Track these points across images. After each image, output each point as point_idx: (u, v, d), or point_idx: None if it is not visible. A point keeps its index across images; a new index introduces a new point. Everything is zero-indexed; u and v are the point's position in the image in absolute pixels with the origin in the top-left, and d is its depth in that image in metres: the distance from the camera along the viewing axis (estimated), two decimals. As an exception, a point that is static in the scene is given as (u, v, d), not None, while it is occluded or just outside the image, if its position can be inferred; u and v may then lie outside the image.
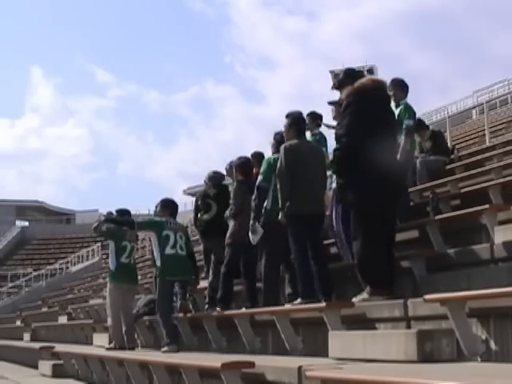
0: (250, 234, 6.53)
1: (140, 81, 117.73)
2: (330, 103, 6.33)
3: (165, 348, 7.26)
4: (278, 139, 6.68)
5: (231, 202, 7.32)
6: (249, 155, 8.00)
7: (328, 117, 7.43)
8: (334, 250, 7.16)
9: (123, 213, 8.98)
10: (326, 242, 6.79)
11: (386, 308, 4.75)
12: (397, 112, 7.03)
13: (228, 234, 7.22)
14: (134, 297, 9.12)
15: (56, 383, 8.84)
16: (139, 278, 10.03)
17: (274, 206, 6.28)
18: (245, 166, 7.40)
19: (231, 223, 7.25)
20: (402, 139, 6.94)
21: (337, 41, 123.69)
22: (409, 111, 7.26)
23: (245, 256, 7.06)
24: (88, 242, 38.49)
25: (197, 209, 8.70)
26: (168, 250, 7.53)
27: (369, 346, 4.13)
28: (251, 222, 6.49)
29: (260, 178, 6.54)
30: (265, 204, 6.47)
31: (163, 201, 8.13)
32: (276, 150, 6.65)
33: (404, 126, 7.04)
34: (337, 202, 6.50)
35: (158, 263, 7.58)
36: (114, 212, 8.99)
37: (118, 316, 8.44)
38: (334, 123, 6.68)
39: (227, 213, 7.37)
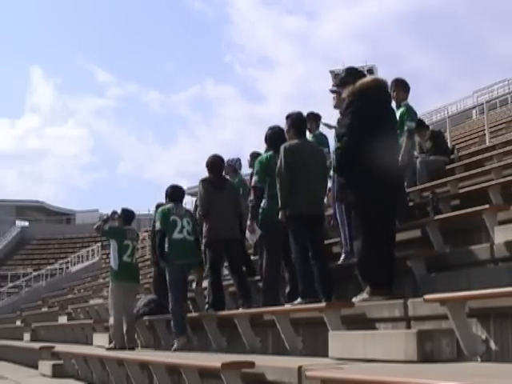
0: (247, 233, 6.60)
1: (140, 80, 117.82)
2: (333, 91, 6.32)
3: (175, 345, 7.22)
4: (268, 135, 6.72)
5: (198, 202, 7.36)
6: (248, 155, 8.07)
7: (328, 115, 7.44)
8: (334, 250, 7.17)
9: (124, 212, 8.97)
10: (326, 242, 6.79)
11: (386, 308, 4.75)
12: (398, 113, 7.04)
13: (203, 235, 7.26)
14: (136, 296, 9.12)
15: (56, 383, 8.84)
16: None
17: (271, 205, 6.30)
18: (214, 165, 7.41)
19: (204, 224, 7.28)
20: (403, 141, 6.96)
21: (337, 40, 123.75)
22: (410, 113, 7.29)
23: (227, 253, 7.08)
24: (88, 242, 38.53)
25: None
26: (176, 235, 7.48)
27: (369, 346, 4.13)
28: (248, 222, 6.58)
29: (255, 178, 6.62)
30: (262, 204, 6.50)
31: (167, 189, 8.03)
32: (267, 146, 6.70)
33: (406, 128, 7.06)
34: (339, 201, 6.53)
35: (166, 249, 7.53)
36: (118, 211, 8.98)
37: (121, 316, 8.43)
38: (334, 123, 6.69)
39: (197, 214, 7.40)
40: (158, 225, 7.70)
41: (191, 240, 7.55)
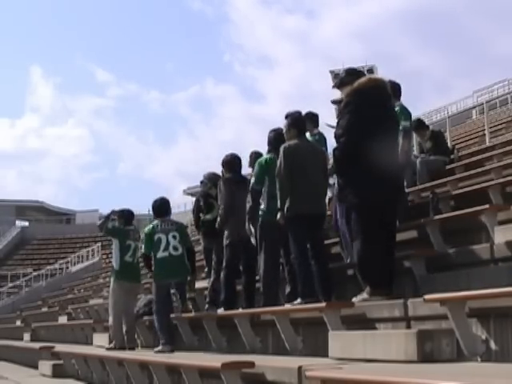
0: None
1: (140, 80, 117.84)
2: (334, 102, 6.32)
3: (159, 348, 7.26)
4: (271, 137, 6.70)
5: (219, 202, 7.32)
6: (248, 155, 8.03)
7: (327, 116, 7.44)
8: (334, 249, 7.17)
9: (123, 212, 8.96)
10: (326, 241, 6.79)
11: (386, 308, 4.75)
12: None
13: (225, 235, 7.22)
14: (136, 296, 9.12)
15: (56, 383, 8.84)
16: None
17: (271, 206, 6.28)
18: (232, 164, 7.39)
19: (227, 224, 7.24)
20: (399, 141, 6.97)
21: (336, 40, 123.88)
22: (405, 113, 7.33)
23: (244, 254, 7.07)
24: (88, 242, 38.54)
25: (198, 209, 8.65)
26: (160, 254, 7.52)
27: (369, 346, 4.13)
28: (246, 223, 6.57)
29: (252, 180, 6.59)
30: (261, 205, 6.50)
31: (152, 204, 8.05)
32: (270, 148, 6.69)
33: (401, 128, 7.06)
34: (339, 202, 6.52)
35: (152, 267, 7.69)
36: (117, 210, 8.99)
37: (120, 316, 8.44)
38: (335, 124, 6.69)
39: (219, 221, 7.33)
40: (142, 247, 7.88)
41: (177, 255, 7.56)
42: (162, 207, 7.97)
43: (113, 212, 8.97)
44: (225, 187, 7.23)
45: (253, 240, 6.67)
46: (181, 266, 7.63)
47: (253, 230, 6.61)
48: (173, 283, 7.66)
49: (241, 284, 7.22)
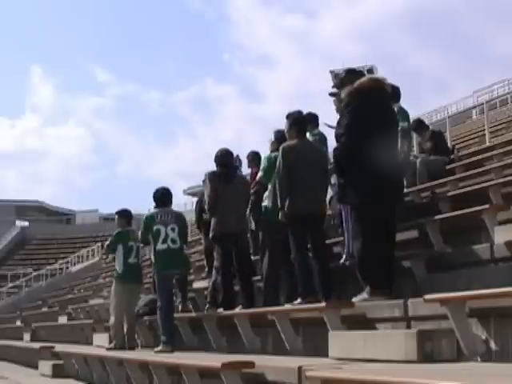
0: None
1: (140, 80, 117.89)
2: (332, 94, 6.32)
3: (159, 347, 7.25)
4: (278, 137, 6.71)
5: (205, 196, 7.33)
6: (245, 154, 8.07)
7: (327, 116, 7.44)
8: (334, 250, 7.17)
9: (124, 213, 8.95)
10: (326, 241, 6.79)
11: (386, 308, 4.75)
12: None
13: (211, 229, 7.22)
14: (138, 296, 9.09)
15: (56, 383, 8.83)
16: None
17: (275, 206, 6.29)
18: (221, 158, 7.38)
19: (212, 219, 7.25)
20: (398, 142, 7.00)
21: (336, 39, 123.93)
22: (403, 114, 7.36)
23: (235, 248, 7.06)
24: (88, 242, 38.52)
25: (201, 209, 8.64)
26: (159, 245, 7.49)
27: (369, 346, 4.13)
28: (247, 213, 6.63)
29: (260, 173, 6.67)
30: (266, 203, 6.50)
31: (154, 193, 7.96)
32: (275, 148, 6.70)
33: (399, 129, 7.09)
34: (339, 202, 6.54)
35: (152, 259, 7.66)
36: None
37: (122, 316, 8.42)
38: (335, 123, 6.70)
39: (206, 210, 7.39)
40: (139, 235, 7.85)
41: (175, 248, 7.51)
42: (162, 197, 7.91)
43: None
44: (209, 183, 7.23)
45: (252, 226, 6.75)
46: (180, 258, 7.61)
47: (253, 221, 6.66)
48: (174, 282, 7.65)
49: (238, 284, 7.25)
